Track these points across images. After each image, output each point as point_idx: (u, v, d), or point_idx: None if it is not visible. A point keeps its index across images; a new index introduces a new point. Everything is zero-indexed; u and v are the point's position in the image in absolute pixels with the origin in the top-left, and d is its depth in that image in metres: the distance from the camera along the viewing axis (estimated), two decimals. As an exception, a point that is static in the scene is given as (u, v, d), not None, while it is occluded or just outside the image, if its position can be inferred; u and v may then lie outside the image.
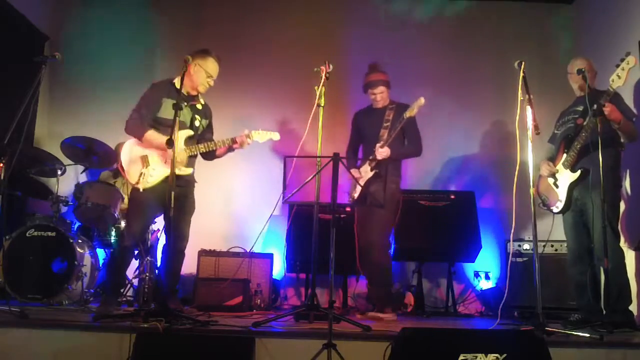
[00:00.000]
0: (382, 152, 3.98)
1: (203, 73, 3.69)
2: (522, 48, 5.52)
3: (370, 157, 4.05)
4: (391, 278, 4.16)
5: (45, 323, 2.92)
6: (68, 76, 5.49)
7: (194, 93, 3.76)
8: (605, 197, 3.34)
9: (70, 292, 4.03)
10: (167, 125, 3.52)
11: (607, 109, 3.39)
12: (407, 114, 3.92)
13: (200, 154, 3.80)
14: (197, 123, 3.76)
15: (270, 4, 5.81)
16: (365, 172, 4.06)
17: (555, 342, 2.78)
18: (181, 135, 3.63)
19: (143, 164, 3.56)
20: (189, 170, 3.69)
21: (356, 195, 4.12)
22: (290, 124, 5.40)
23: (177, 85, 3.57)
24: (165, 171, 3.54)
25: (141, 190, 3.52)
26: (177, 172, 3.56)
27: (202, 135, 3.84)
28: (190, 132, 3.68)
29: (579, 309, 3.74)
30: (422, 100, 3.89)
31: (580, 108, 3.71)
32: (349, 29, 5.65)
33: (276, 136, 3.88)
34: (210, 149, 3.74)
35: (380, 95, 4.18)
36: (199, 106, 3.79)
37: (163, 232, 4.40)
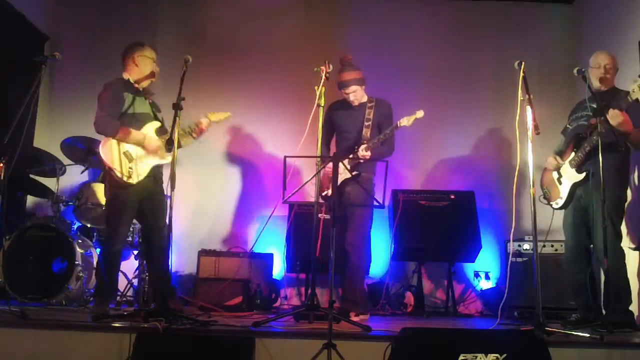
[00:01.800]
0: (365, 155, 3.89)
1: (148, 60, 3.74)
2: (522, 48, 5.52)
3: (351, 156, 3.95)
4: (363, 281, 4.08)
5: (45, 323, 2.92)
6: (68, 76, 5.49)
7: (146, 84, 3.80)
8: (605, 197, 3.33)
9: (70, 292, 4.03)
10: (137, 119, 3.63)
11: (620, 118, 3.32)
12: (403, 122, 3.87)
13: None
14: (159, 115, 3.80)
15: (270, 3, 5.81)
16: (343, 170, 3.91)
17: (555, 342, 2.78)
18: (151, 127, 3.67)
19: (129, 160, 3.56)
20: (169, 158, 3.59)
21: (329, 192, 3.98)
22: (290, 124, 5.40)
23: (132, 81, 3.70)
24: (149, 163, 3.62)
25: (135, 183, 3.53)
26: (163, 161, 3.67)
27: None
28: (158, 123, 3.73)
29: (578, 307, 3.74)
30: (421, 113, 3.86)
31: (595, 105, 3.64)
32: (349, 29, 5.65)
33: (229, 115, 3.88)
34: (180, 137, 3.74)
35: (353, 95, 4.03)
36: (150, 100, 3.83)
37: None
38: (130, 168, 3.53)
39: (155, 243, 3.62)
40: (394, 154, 4.12)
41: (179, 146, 3.85)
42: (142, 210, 3.66)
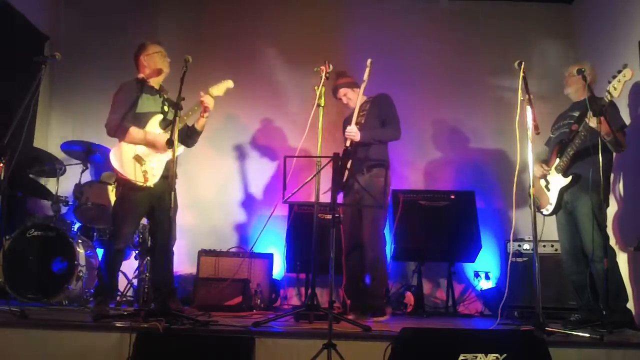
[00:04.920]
0: (351, 131, 3.88)
1: (154, 56, 3.74)
2: (522, 48, 5.53)
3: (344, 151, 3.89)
4: (386, 276, 4.10)
5: (45, 323, 2.91)
6: (68, 76, 5.50)
7: (161, 80, 3.80)
8: (593, 199, 3.40)
9: (70, 292, 4.02)
10: (141, 118, 3.61)
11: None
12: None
13: (184, 140, 3.81)
14: (166, 109, 3.77)
15: (270, 3, 5.82)
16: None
17: (555, 342, 2.78)
18: (154, 121, 3.65)
19: (140, 163, 3.55)
20: (180, 150, 3.64)
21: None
22: (290, 124, 5.41)
23: (145, 79, 3.69)
24: (161, 161, 3.60)
25: (152, 186, 3.52)
26: (167, 157, 3.61)
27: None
28: (160, 116, 3.70)
29: (579, 308, 3.76)
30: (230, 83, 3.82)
31: (576, 113, 3.72)
32: (349, 29, 5.65)
33: (230, 83, 3.83)
34: (184, 124, 3.73)
35: (345, 98, 4.16)
36: (165, 96, 3.81)
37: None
38: (144, 171, 3.52)
39: (159, 242, 3.63)
40: (394, 154, 4.12)
41: (197, 132, 3.83)
42: (152, 210, 3.66)
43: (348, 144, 3.95)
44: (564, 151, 3.66)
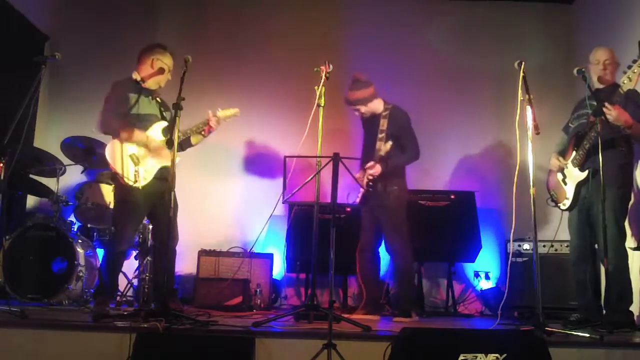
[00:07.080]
0: (373, 171, 3.91)
1: (165, 67, 3.72)
2: (522, 48, 5.53)
3: (358, 175, 3.99)
4: (413, 280, 4.20)
5: (45, 323, 2.91)
6: (68, 76, 5.49)
7: (154, 87, 3.76)
8: (608, 195, 3.32)
9: (70, 292, 4.03)
10: (142, 120, 3.59)
11: (613, 112, 3.31)
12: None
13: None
14: (165, 114, 3.76)
15: (271, 3, 5.81)
16: (362, 180, 4.00)
17: (555, 342, 2.78)
18: (157, 127, 3.64)
19: (135, 163, 3.53)
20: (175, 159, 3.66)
21: (357, 199, 4.11)
22: (290, 124, 5.40)
23: (139, 80, 3.67)
24: (155, 165, 3.59)
25: (140, 187, 3.51)
26: (165, 163, 3.59)
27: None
28: (165, 123, 3.69)
29: (579, 307, 3.74)
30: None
31: (595, 102, 3.60)
32: (349, 29, 5.65)
33: (237, 112, 3.90)
34: (187, 136, 3.74)
35: (358, 112, 4.13)
36: (158, 100, 3.79)
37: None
38: (136, 171, 3.50)
39: (158, 242, 3.63)
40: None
41: (190, 145, 3.86)
42: (155, 211, 3.66)
43: (365, 182, 3.96)
44: (580, 144, 3.59)
